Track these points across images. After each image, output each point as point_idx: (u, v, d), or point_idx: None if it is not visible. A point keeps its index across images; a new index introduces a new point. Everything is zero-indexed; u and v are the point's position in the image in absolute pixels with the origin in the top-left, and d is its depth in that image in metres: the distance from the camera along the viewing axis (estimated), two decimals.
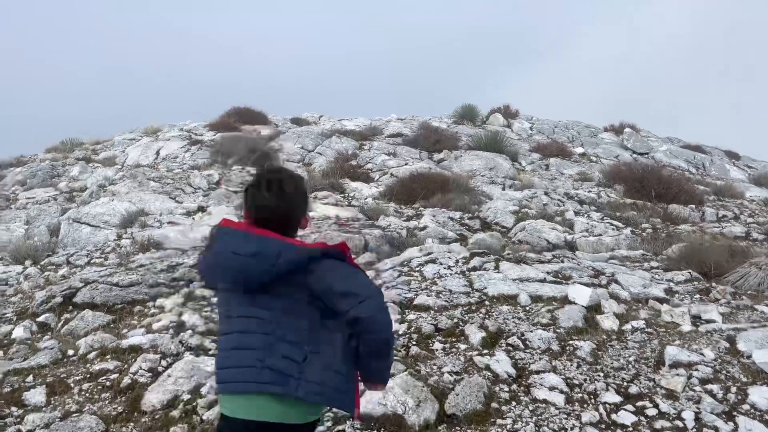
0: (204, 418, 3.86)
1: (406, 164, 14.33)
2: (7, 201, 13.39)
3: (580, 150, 18.93)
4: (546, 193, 11.04)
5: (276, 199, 2.16)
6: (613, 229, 8.73)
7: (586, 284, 5.67)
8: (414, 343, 4.63)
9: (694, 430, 3.52)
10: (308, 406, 2.09)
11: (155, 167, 15.88)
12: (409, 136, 17.36)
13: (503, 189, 12.19)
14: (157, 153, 16.93)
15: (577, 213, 9.64)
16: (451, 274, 5.84)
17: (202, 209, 9.95)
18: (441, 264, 6.11)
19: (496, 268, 5.91)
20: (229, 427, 2.11)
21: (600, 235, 8.42)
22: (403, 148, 16.07)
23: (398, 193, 10.70)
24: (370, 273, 6.22)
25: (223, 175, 12.72)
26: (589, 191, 11.93)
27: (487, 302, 5.27)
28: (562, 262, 6.28)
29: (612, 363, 4.30)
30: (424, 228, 8.56)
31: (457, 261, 6.17)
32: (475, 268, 5.94)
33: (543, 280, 5.70)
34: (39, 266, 8.25)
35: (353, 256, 2.94)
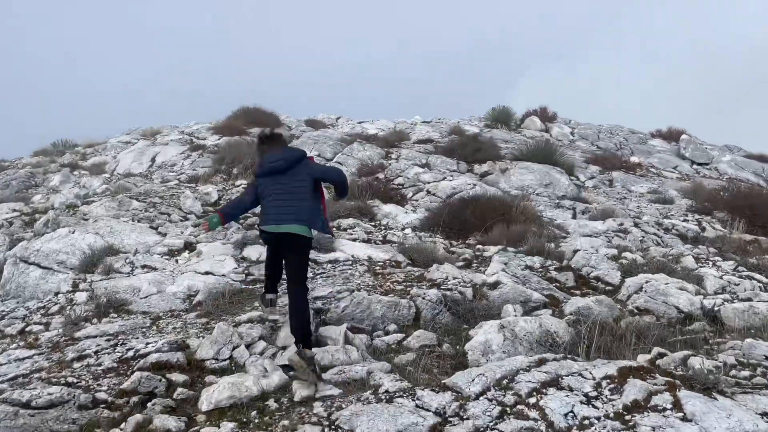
0: None
1: (444, 178, 11.70)
2: None
3: (634, 159, 16.19)
4: (636, 225, 8.37)
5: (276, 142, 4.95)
6: (761, 287, 6.06)
7: None
8: None
9: None
10: (310, 230, 4.66)
11: (148, 177, 13.38)
12: (441, 143, 14.72)
13: (574, 216, 9.51)
14: (153, 160, 14.41)
15: (697, 259, 6.95)
16: (598, 420, 3.20)
17: (189, 247, 7.34)
18: (571, 390, 3.47)
19: (676, 406, 3.27)
20: (277, 237, 4.62)
21: (749, 299, 5.75)
22: (437, 157, 13.42)
23: (447, 223, 8.07)
24: (448, 399, 3.58)
25: (224, 192, 10.14)
26: (685, 220, 9.22)
27: None
28: None
29: None
30: (497, 285, 5.91)
31: (598, 384, 3.52)
32: (637, 405, 3.29)
33: None
34: None
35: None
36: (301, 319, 4.34)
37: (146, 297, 6.03)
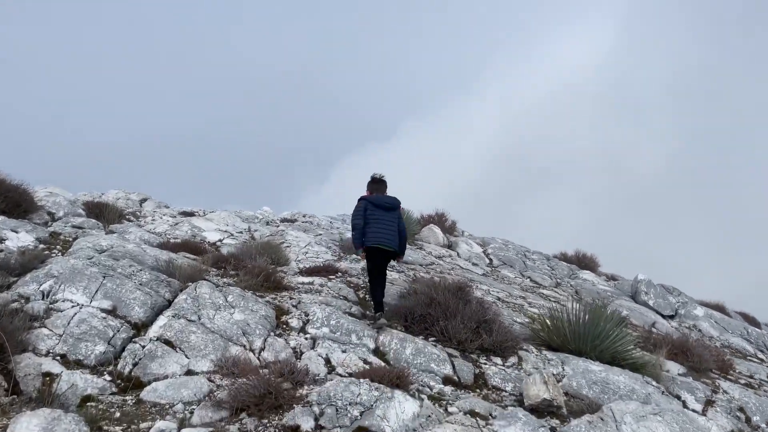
0: None
1: (431, 417, 4.36)
2: None
3: (726, 351, 10.51)
4: None
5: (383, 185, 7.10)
6: None
7: None
8: None
9: None
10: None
11: None
12: (346, 273, 7.47)
13: None
14: None
15: None
16: None
17: None
18: None
19: None
20: (385, 251, 6.67)
21: None
22: (347, 320, 6.09)
23: None
24: None
25: None
26: None
27: None
28: None
29: None
30: None
31: None
32: None
33: None
34: None
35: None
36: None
37: None
